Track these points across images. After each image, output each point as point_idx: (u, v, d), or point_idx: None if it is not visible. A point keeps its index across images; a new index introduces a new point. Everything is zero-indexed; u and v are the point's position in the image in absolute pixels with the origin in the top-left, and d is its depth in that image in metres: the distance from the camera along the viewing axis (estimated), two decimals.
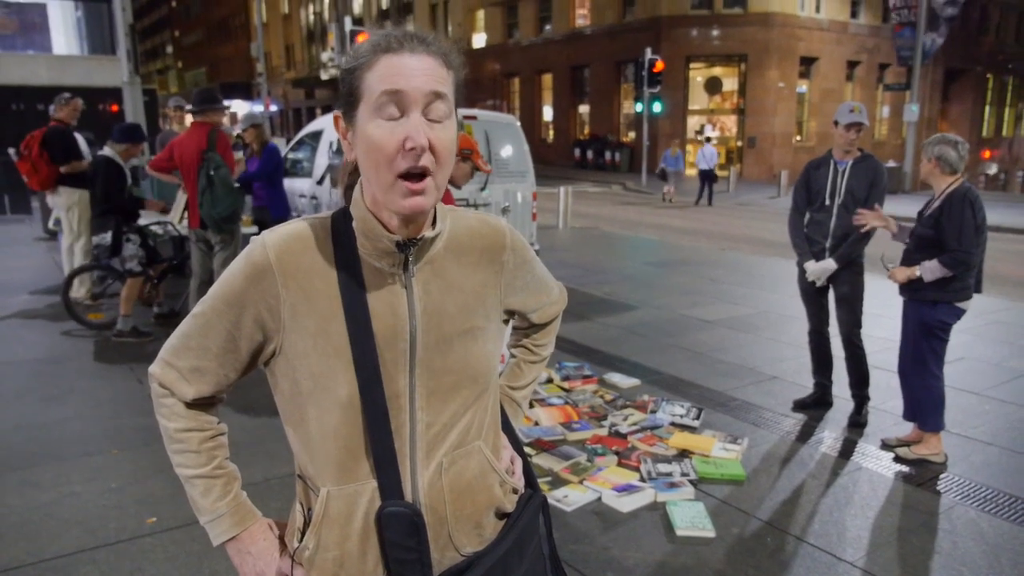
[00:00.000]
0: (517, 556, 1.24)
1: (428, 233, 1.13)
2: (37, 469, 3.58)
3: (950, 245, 3.49)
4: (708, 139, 20.45)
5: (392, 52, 1.05)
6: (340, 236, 1.13)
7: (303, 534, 1.17)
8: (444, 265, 1.17)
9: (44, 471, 3.56)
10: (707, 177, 18.20)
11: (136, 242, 5.74)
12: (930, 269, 3.55)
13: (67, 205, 6.64)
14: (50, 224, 8.16)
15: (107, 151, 5.77)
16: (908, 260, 3.70)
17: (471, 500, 1.19)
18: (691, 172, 23.18)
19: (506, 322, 1.33)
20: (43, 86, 17.08)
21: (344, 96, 1.09)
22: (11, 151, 6.91)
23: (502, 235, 1.25)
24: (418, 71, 1.04)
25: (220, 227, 5.30)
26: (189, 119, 6.04)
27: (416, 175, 1.05)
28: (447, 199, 3.52)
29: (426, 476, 1.14)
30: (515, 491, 1.29)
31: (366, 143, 1.05)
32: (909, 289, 3.72)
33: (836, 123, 4.09)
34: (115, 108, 14.72)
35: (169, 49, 78.53)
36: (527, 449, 3.84)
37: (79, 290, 6.64)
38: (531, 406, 4.41)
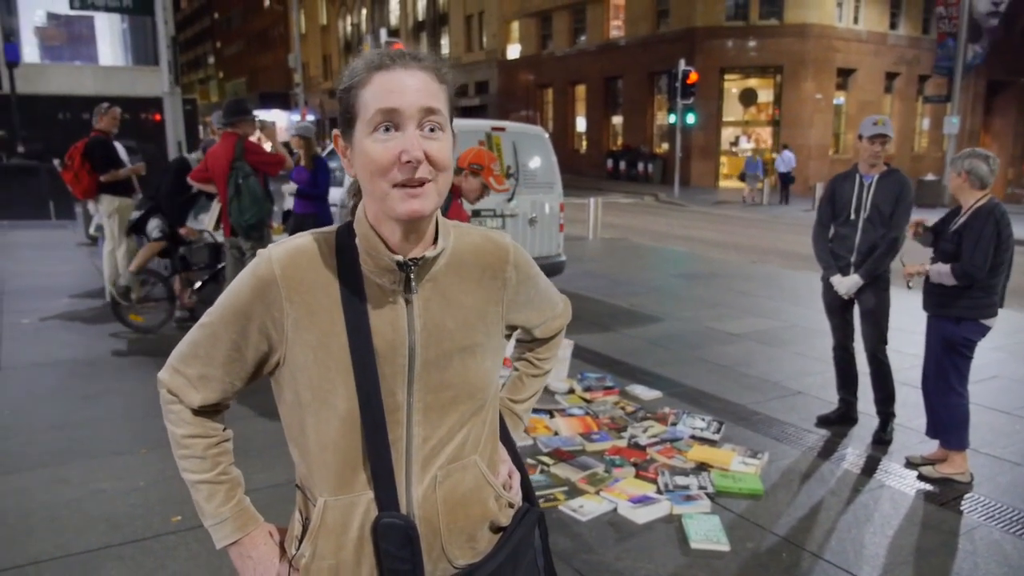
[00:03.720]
0: (511, 569, 1.25)
1: (429, 253, 1.15)
2: (68, 466, 3.70)
3: (964, 256, 3.46)
4: (786, 145, 22.10)
5: (385, 69, 1.08)
6: (344, 252, 1.16)
7: (300, 542, 1.20)
8: (445, 282, 1.19)
9: (74, 468, 3.68)
10: (785, 179, 20.89)
11: (163, 223, 6.12)
12: (938, 271, 3.54)
13: (108, 212, 6.84)
14: (91, 230, 8.40)
15: (193, 157, 6.12)
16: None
17: (465, 513, 1.21)
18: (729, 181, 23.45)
19: (508, 337, 1.34)
20: (89, 96, 17.61)
21: (342, 115, 1.13)
22: (56, 162, 7.15)
23: (505, 252, 1.26)
24: (411, 88, 1.07)
25: (248, 234, 5.43)
26: None
27: (414, 185, 1.07)
28: (461, 215, 3.53)
29: (420, 489, 1.17)
30: (511, 505, 1.30)
31: (364, 158, 1.08)
32: (933, 305, 3.68)
33: (860, 136, 4.07)
34: (157, 117, 15.14)
35: (211, 60, 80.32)
36: (545, 459, 3.86)
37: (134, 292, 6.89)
38: (551, 416, 4.43)
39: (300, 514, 1.24)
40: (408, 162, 1.05)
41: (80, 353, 5.55)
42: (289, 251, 1.16)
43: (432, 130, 1.08)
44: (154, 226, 6.08)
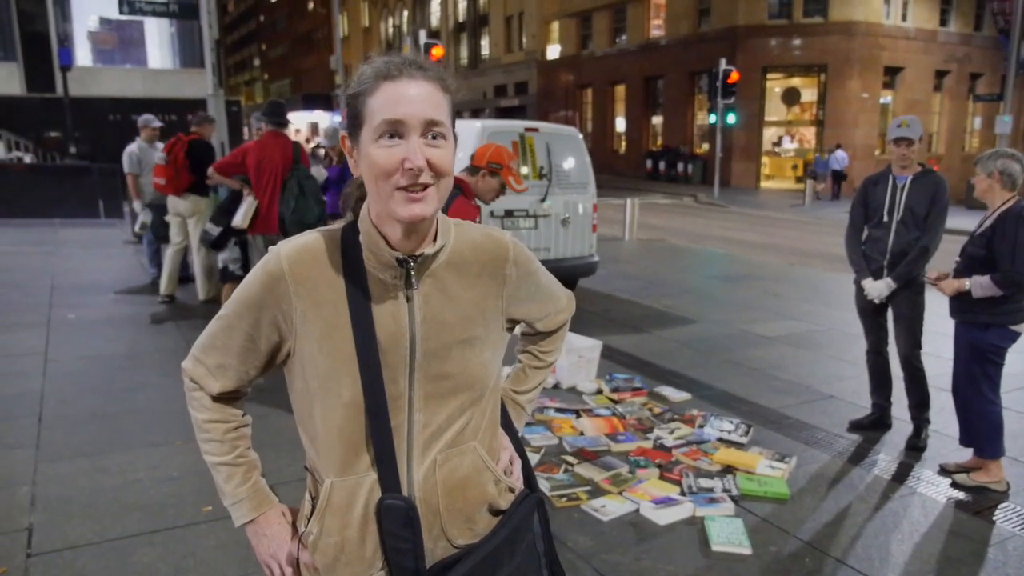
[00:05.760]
0: (508, 551, 1.30)
1: (428, 250, 1.20)
2: (107, 456, 3.83)
3: (1003, 265, 3.35)
4: (839, 145, 23.17)
5: (392, 79, 1.12)
6: (348, 248, 1.22)
7: (309, 520, 1.26)
8: (445, 278, 1.24)
9: (113, 458, 3.81)
10: (838, 176, 22.43)
11: (237, 247, 6.25)
12: (980, 284, 3.42)
13: (191, 212, 7.02)
14: (135, 228, 8.65)
15: None
16: (958, 278, 3.57)
17: (463, 495, 1.26)
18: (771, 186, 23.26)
19: (510, 330, 1.38)
20: (138, 98, 18.15)
21: (349, 119, 1.18)
22: (159, 156, 7.23)
23: (505, 249, 1.31)
24: (416, 99, 1.12)
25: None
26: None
27: (416, 190, 1.13)
28: (467, 211, 3.24)
29: (421, 471, 1.22)
30: (511, 490, 1.35)
31: (369, 162, 1.13)
32: (960, 311, 3.59)
33: (889, 140, 4.00)
34: None
35: (256, 62, 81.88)
36: (570, 458, 3.87)
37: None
38: (578, 416, 4.44)
39: (309, 494, 1.30)
40: (410, 169, 1.10)
41: (122, 347, 5.73)
42: (297, 248, 1.22)
43: (434, 137, 1.13)
44: (232, 257, 6.26)
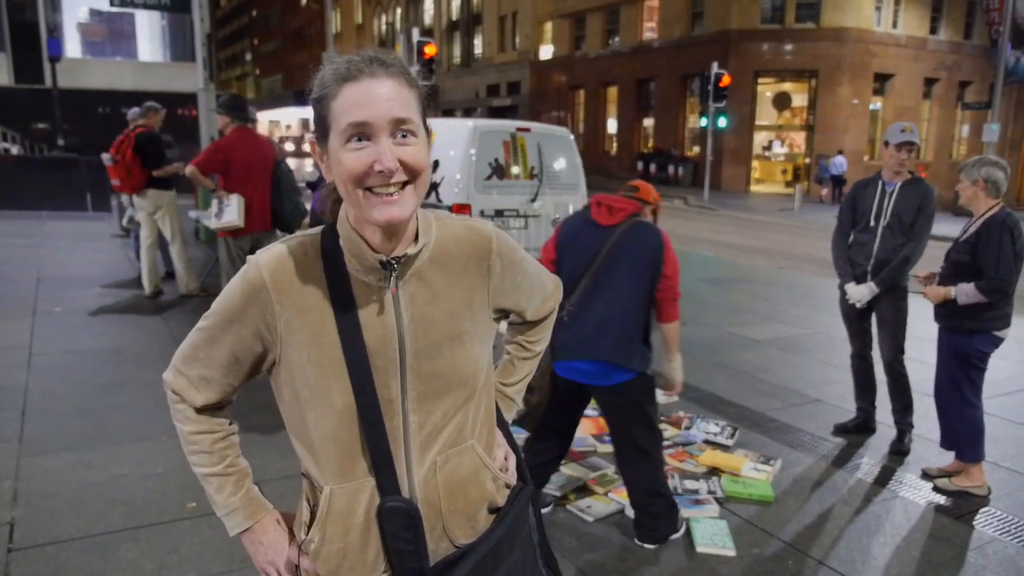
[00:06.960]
0: (508, 545, 1.30)
1: (411, 250, 1.18)
2: (92, 451, 3.81)
3: (988, 272, 3.39)
4: (840, 151, 23.88)
5: (353, 80, 1.09)
6: (329, 253, 1.20)
7: (309, 528, 1.25)
8: (430, 275, 1.23)
9: (98, 453, 3.79)
10: (837, 181, 23.14)
11: None
12: (965, 292, 3.45)
13: (154, 207, 6.96)
14: (123, 222, 8.60)
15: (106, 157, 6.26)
16: (943, 285, 3.61)
17: (464, 496, 1.26)
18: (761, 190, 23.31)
19: (498, 321, 1.37)
20: (128, 91, 18.03)
21: (316, 124, 1.16)
22: (105, 157, 7.23)
23: (487, 240, 1.29)
24: (381, 98, 1.08)
25: (291, 228, 5.50)
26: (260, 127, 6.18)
27: (391, 191, 1.10)
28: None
29: (421, 473, 1.22)
30: (508, 486, 1.35)
31: (339, 167, 1.11)
32: (944, 317, 3.63)
33: (887, 143, 4.02)
34: (193, 113, 15.49)
35: (248, 57, 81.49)
36: None
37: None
38: None
39: (307, 502, 1.29)
40: (381, 172, 1.08)
41: (108, 342, 5.70)
42: (276, 255, 1.20)
43: (404, 136, 1.10)
44: None
